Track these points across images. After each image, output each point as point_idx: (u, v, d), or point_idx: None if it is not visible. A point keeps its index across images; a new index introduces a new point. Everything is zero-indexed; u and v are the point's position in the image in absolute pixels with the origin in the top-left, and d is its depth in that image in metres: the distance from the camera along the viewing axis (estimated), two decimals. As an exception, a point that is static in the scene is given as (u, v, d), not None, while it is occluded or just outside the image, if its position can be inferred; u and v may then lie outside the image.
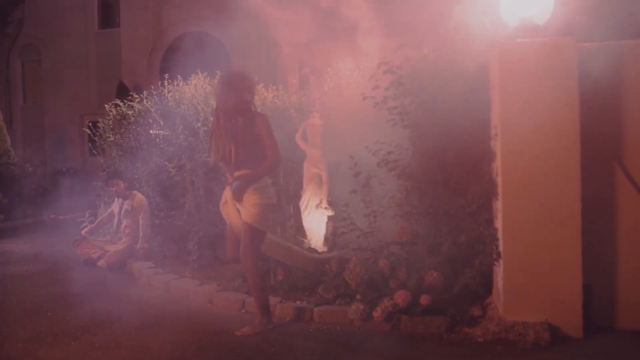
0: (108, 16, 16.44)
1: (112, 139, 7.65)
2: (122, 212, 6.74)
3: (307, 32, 6.23)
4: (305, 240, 5.68)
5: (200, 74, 6.90)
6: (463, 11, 4.12)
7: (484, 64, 4.08)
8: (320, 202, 5.62)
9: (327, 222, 5.66)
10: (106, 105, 7.81)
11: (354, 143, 5.44)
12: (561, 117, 3.64)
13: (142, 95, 7.40)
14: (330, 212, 5.64)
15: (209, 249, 5.83)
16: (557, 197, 3.65)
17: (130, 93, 7.76)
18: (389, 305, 3.95)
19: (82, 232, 6.83)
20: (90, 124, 8.71)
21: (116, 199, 6.92)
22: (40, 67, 16.58)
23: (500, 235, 3.81)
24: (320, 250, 5.35)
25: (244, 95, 3.93)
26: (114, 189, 6.85)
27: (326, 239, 5.46)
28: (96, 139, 7.93)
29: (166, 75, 7.16)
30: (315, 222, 5.68)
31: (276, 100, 6.75)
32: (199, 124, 6.53)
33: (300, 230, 5.85)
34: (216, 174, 6.51)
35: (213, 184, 6.45)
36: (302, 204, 5.73)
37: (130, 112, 7.41)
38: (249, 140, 3.92)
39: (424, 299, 3.92)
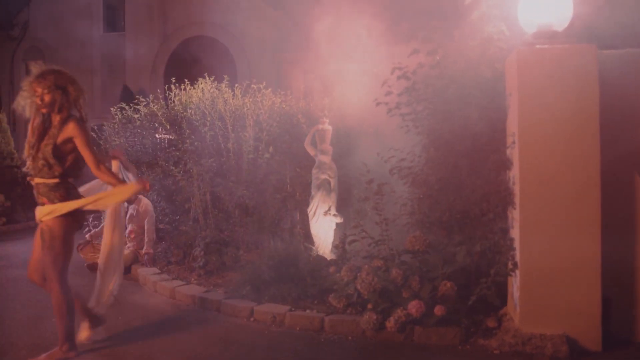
0: (113, 20, 16.42)
1: (117, 142, 7.58)
2: (127, 216, 6.65)
3: (313, 36, 6.17)
4: (313, 248, 5.59)
5: (207, 78, 6.85)
6: (480, 17, 4.06)
7: (500, 70, 4.01)
8: (329, 209, 5.54)
9: (334, 230, 5.58)
10: (112, 109, 7.77)
11: (364, 149, 5.38)
12: (580, 125, 3.57)
13: (148, 99, 7.34)
14: (338, 219, 5.56)
15: (215, 255, 5.75)
16: (575, 206, 3.57)
17: (136, 97, 7.71)
18: (402, 316, 3.86)
19: (86, 236, 6.74)
20: (95, 127, 8.63)
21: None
22: (44, 70, 16.55)
23: (517, 244, 3.72)
24: (328, 258, 5.27)
25: (51, 94, 3.63)
26: (119, 193, 6.76)
27: (334, 247, 5.37)
28: (101, 142, 7.87)
29: (173, 79, 7.12)
30: (323, 229, 5.60)
31: (284, 106, 6.70)
32: (206, 128, 6.48)
33: (307, 237, 5.77)
34: (223, 179, 6.45)
35: (220, 189, 6.38)
36: (310, 210, 5.65)
37: (136, 116, 7.35)
38: (51, 145, 3.51)
39: (439, 310, 3.83)
